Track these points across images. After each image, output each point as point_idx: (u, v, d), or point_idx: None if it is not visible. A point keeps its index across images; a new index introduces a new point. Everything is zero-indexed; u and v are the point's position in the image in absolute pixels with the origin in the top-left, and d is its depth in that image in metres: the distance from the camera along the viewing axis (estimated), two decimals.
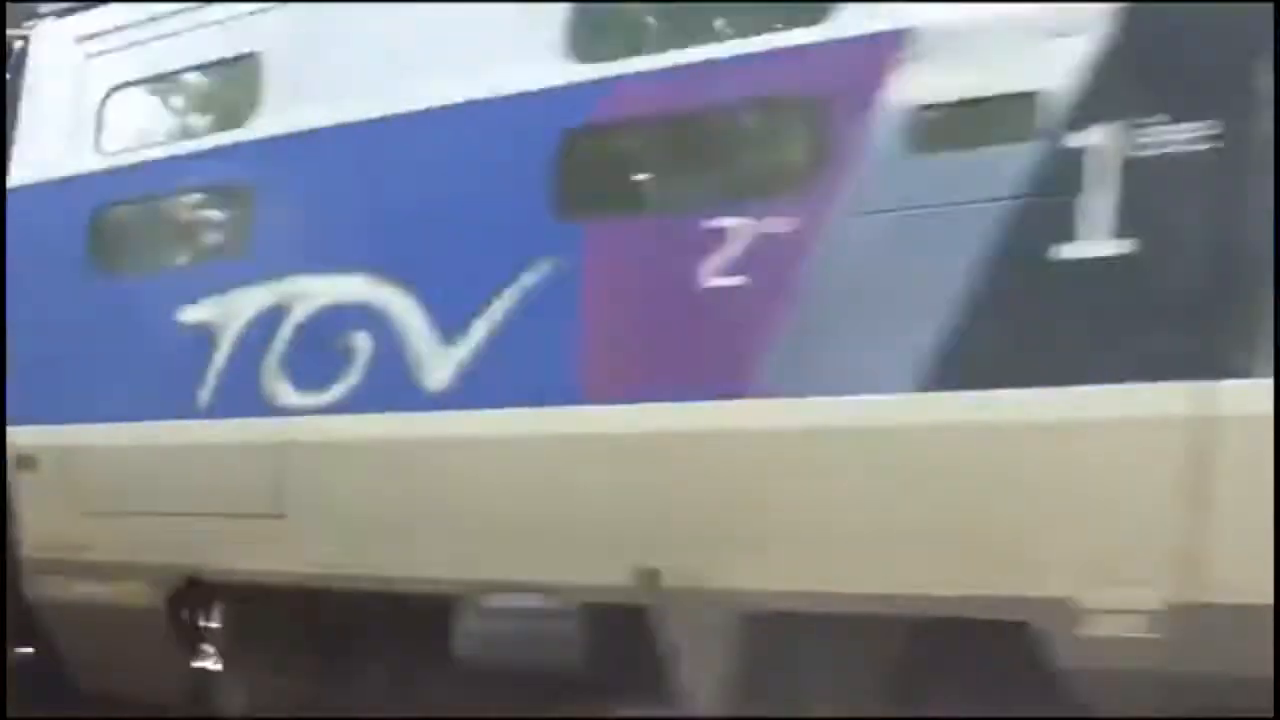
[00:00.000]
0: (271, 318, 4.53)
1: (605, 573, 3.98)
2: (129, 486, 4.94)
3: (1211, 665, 3.17)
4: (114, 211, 5.16)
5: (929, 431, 3.49)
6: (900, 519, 3.53)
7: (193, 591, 4.95)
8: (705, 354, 3.79)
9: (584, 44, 3.97)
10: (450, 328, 4.18)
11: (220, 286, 4.67)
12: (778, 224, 3.65)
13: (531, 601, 4.14)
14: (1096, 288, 3.28)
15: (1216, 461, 3.18)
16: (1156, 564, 3.25)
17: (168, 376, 4.83)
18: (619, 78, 3.93)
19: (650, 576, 3.93)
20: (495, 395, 4.12)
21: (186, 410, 4.75)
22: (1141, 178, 3.22)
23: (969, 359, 3.43)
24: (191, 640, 5.05)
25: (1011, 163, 3.37)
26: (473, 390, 4.16)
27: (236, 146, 4.69)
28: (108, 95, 5.11)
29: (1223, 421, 3.15)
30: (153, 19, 5.06)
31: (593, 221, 4.05)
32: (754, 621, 3.82)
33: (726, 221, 3.71)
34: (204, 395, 4.72)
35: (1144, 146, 3.22)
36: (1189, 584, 3.23)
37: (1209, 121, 3.15)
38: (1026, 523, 3.39)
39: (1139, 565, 3.27)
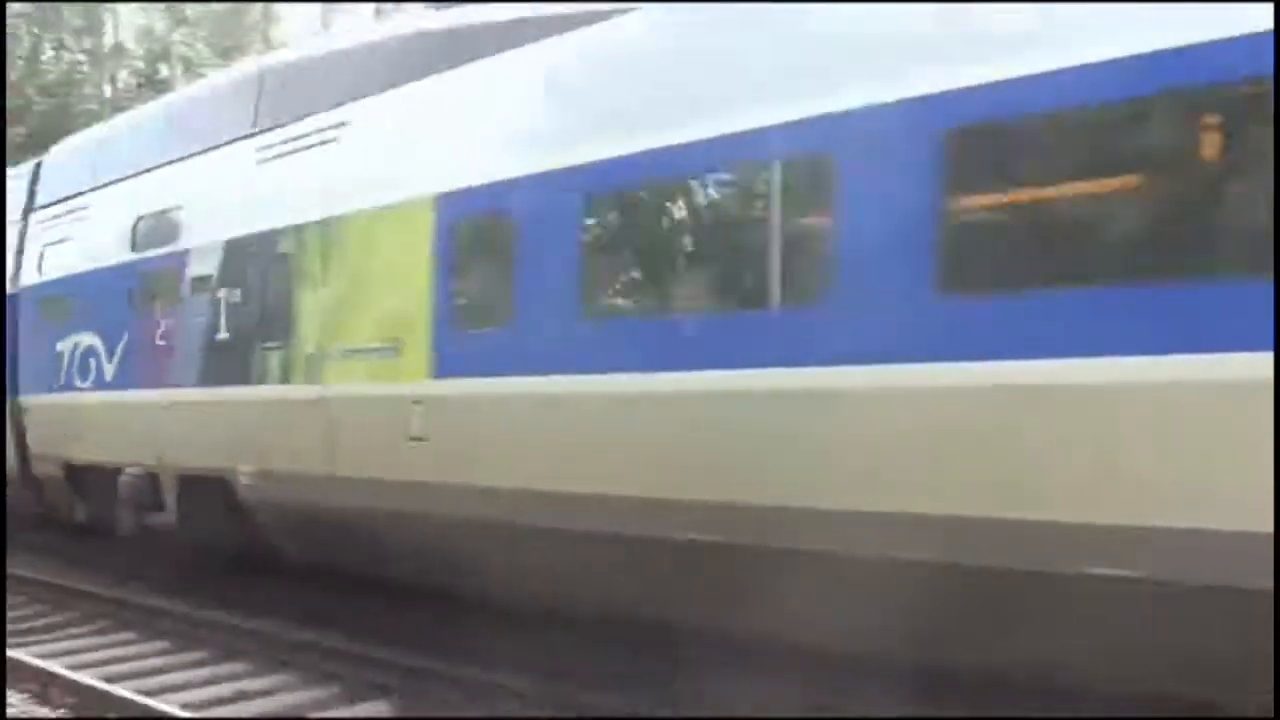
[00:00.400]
0: (73, 350, 10.79)
1: (149, 457, 9.84)
2: (47, 421, 11.39)
3: (276, 497, 8.52)
4: (44, 302, 11.56)
5: (209, 401, 9.09)
6: (206, 439, 9.15)
7: (86, 472, 11.26)
8: (163, 370, 9.56)
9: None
10: (110, 355, 10.23)
11: (63, 336, 11.00)
12: (170, 322, 9.39)
13: (137, 470, 10.09)
14: (227, 350, 8.75)
15: (245, 419, 8.58)
16: (257, 455, 8.66)
17: (53, 376, 11.21)
18: (151, 257, 9.78)
19: (160, 459, 9.77)
20: (121, 384, 10.11)
21: (55, 389, 11.14)
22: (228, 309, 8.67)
23: (213, 372, 8.99)
24: (72, 486, 11.37)
25: (204, 302, 8.90)
26: (118, 382, 10.18)
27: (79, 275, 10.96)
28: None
29: (262, 402, 8.54)
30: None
31: (137, 315, 9.88)
32: (192, 479, 9.54)
33: (163, 320, 9.49)
34: (59, 382, 11.08)
35: (235, 297, 8.65)
36: (264, 464, 8.63)
37: (244, 290, 8.54)
38: (255, 439, 8.91)
39: (250, 456, 8.69)
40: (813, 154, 5.16)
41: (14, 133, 27.69)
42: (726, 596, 5.72)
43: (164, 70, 32.07)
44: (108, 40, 33.80)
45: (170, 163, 9.80)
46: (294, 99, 8.47)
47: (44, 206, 11.62)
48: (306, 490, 8.20)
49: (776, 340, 5.25)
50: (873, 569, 4.86)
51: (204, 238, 9.04)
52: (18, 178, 12.34)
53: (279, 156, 8.38)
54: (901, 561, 4.80)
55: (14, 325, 11.78)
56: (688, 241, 5.81)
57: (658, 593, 6.05)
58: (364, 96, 7.79)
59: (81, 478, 11.06)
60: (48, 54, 32.86)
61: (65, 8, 33.09)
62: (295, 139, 8.22)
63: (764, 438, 5.27)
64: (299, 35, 34.19)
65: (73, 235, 11.03)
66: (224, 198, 8.92)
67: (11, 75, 30.78)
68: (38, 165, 12.20)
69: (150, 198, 9.91)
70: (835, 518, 5.00)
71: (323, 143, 7.94)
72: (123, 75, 33.63)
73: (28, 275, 11.78)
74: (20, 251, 11.88)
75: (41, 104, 30.89)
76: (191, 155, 9.49)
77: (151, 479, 9.86)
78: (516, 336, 6.44)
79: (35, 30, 32.61)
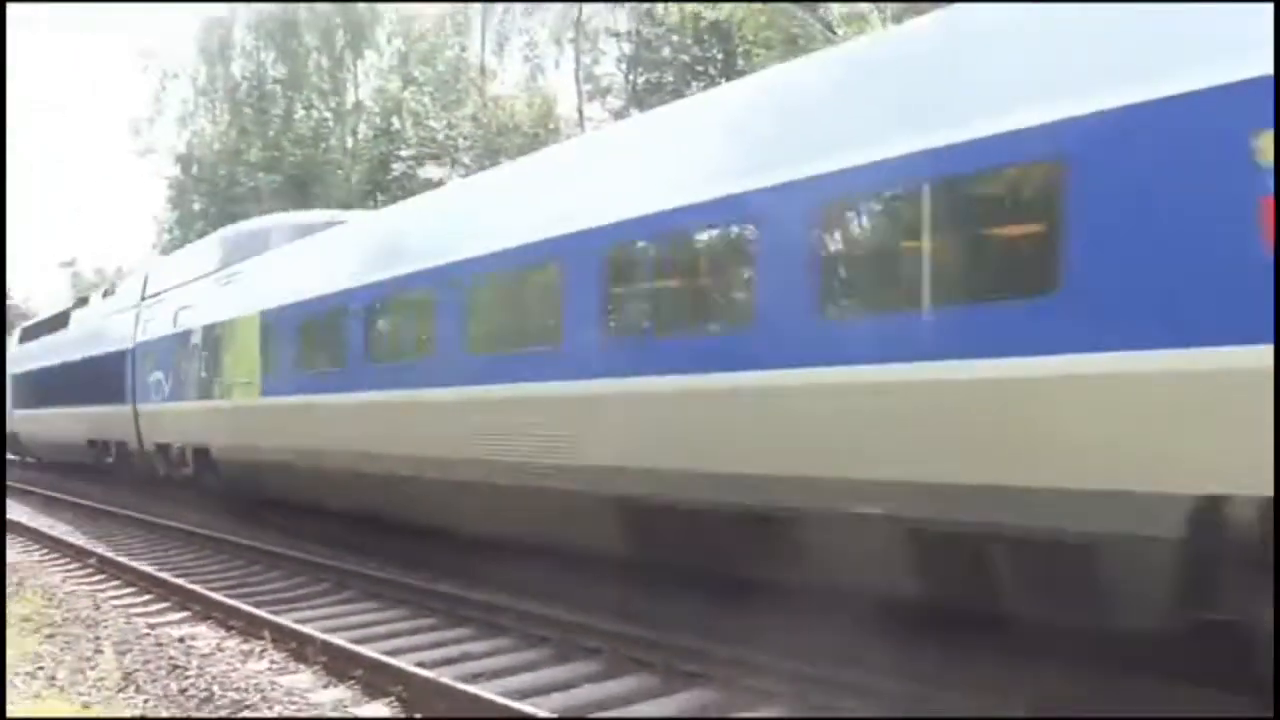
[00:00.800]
0: (155, 380, 19.35)
1: (182, 439, 18.18)
2: (148, 419, 19.98)
3: (227, 458, 16.69)
4: (145, 353, 20.21)
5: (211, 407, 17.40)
6: (200, 427, 17.44)
7: (161, 447, 19.76)
8: (185, 390, 17.89)
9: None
10: (167, 382, 18.70)
11: (151, 371, 19.60)
12: (186, 365, 17.75)
13: (178, 446, 18.45)
14: (204, 380, 16.98)
15: (211, 417, 16.80)
16: (217, 436, 16.85)
17: (148, 394, 19.80)
18: (180, 331, 18.23)
19: (185, 440, 18.10)
20: (171, 398, 18.55)
21: (150, 401, 19.74)
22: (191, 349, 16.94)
23: (200, 392, 17.27)
24: (163, 461, 19.84)
25: (198, 355, 17.17)
26: (169, 398, 18.63)
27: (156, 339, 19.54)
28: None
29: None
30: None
31: (175, 361, 18.27)
32: (198, 450, 17.84)
33: (183, 364, 17.88)
34: (151, 397, 19.68)
35: (206, 353, 16.91)
36: (220, 441, 16.83)
37: (208, 349, 16.78)
38: (215, 428, 17.17)
39: (216, 436, 16.89)
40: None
41: (270, 179, 35.24)
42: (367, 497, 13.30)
43: (395, 123, 36.50)
44: (349, 99, 39.74)
45: (192, 280, 18.23)
46: (236, 252, 16.72)
47: (148, 297, 20.39)
48: (235, 455, 16.28)
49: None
50: None
51: (198, 323, 17.34)
52: (137, 281, 21.27)
53: (223, 284, 16.61)
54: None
55: (134, 365, 20.55)
56: (324, 342, 13.56)
57: (337, 493, 13.76)
58: (247, 259, 15.99)
59: (161, 452, 19.62)
60: (299, 112, 38.97)
61: (314, 74, 38.97)
62: (226, 276, 16.45)
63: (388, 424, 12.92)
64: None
65: (156, 316, 19.67)
66: (206, 302, 17.20)
67: (269, 131, 37.99)
68: (146, 274, 21.07)
69: (182, 298, 18.38)
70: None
71: (231, 281, 16.13)
72: (361, 128, 38.82)
73: (140, 336, 20.52)
74: (137, 322, 20.67)
75: (294, 155, 36.58)
76: (198, 278, 17.88)
77: (183, 450, 18.21)
78: (284, 375, 14.31)
79: (289, 92, 39.19)
